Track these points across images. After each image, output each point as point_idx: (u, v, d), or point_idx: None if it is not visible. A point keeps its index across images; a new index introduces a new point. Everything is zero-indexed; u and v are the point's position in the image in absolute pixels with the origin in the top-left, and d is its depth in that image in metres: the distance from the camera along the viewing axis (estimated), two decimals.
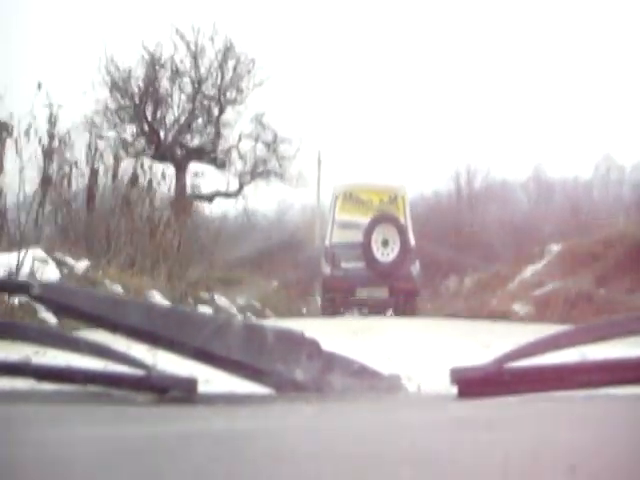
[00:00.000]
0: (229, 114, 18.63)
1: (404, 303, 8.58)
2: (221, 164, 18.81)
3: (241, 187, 19.16)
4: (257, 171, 19.21)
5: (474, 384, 0.83)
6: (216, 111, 18.44)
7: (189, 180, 18.12)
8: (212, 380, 0.91)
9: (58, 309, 0.92)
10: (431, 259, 21.71)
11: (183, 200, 15.08)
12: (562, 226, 22.14)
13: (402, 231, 8.78)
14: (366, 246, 8.67)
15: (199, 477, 0.61)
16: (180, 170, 17.20)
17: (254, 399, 0.86)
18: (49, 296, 0.89)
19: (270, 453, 0.63)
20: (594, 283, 11.26)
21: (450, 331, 1.61)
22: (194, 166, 18.43)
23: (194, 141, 18.53)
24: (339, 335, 1.45)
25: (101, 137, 14.31)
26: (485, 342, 1.14)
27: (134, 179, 11.12)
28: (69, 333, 0.96)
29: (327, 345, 0.93)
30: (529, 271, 18.00)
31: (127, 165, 11.60)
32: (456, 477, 0.59)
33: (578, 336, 0.86)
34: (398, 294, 8.55)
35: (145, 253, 10.60)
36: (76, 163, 10.17)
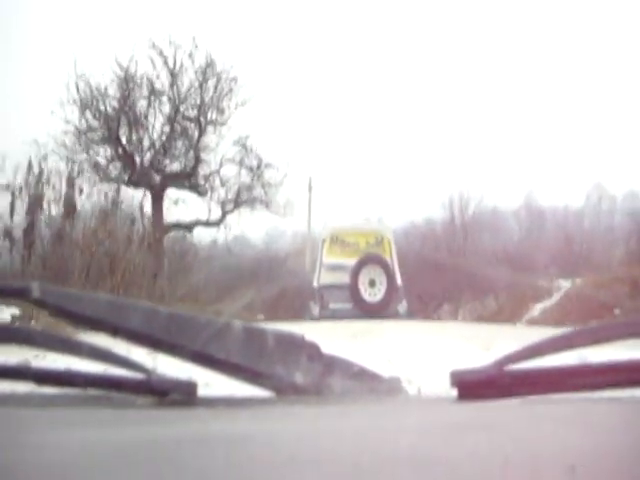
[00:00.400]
0: (210, 137, 17.56)
1: None
2: (202, 191, 17.78)
3: (224, 215, 18.12)
4: (241, 199, 18.18)
5: (474, 387, 0.83)
6: (196, 133, 17.34)
7: (167, 208, 17.06)
8: (212, 383, 0.91)
9: (58, 313, 0.92)
10: (423, 289, 21.81)
11: (160, 229, 14.53)
12: (558, 256, 21.97)
13: (388, 271, 9.09)
14: (353, 287, 8.95)
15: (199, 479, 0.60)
16: (157, 197, 16.24)
17: (254, 402, 0.86)
18: (49, 300, 0.89)
19: (270, 456, 0.63)
20: None
21: (450, 334, 1.61)
22: (173, 193, 17.43)
23: (172, 166, 17.29)
24: (339, 338, 1.46)
25: (73, 161, 13.80)
26: (485, 345, 1.14)
27: (104, 212, 10.78)
28: (69, 337, 0.96)
29: (327, 348, 0.93)
30: (537, 310, 17.92)
31: (91, 191, 11.10)
32: (456, 479, 0.59)
33: (578, 339, 0.86)
34: None
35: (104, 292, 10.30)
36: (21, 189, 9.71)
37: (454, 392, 0.85)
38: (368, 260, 9.14)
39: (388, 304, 8.89)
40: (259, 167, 18.06)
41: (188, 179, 17.43)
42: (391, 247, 9.57)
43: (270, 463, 0.62)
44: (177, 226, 17.39)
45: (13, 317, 6.46)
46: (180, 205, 17.34)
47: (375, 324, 3.43)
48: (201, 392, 0.87)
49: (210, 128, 17.40)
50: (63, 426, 0.76)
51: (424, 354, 1.26)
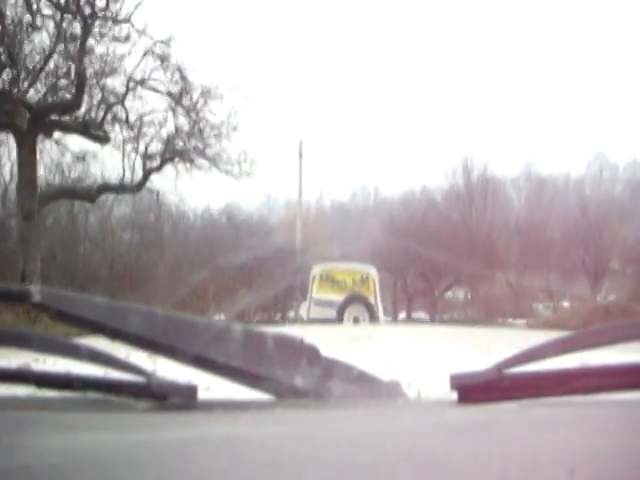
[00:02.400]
0: (105, 43, 10.37)
1: None
2: (103, 138, 11.33)
3: (145, 177, 12.45)
4: (171, 151, 12.15)
5: (474, 390, 0.83)
6: (79, 32, 9.95)
7: (69, 164, 12.30)
8: (212, 387, 0.91)
9: (58, 316, 0.92)
10: (429, 266, 20.45)
11: (30, 194, 9.98)
12: (572, 228, 21.27)
13: (371, 310, 10.02)
14: (338, 323, 9.66)
15: None
16: (25, 145, 10.14)
17: (254, 405, 0.86)
18: (49, 303, 0.89)
19: (270, 459, 0.63)
20: None
21: (450, 337, 1.61)
22: (73, 143, 11.73)
23: (52, 97, 10.43)
24: (338, 341, 1.46)
25: None
26: (485, 348, 1.14)
27: None
28: (69, 340, 0.96)
29: (326, 351, 0.93)
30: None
31: None
32: None
33: (578, 342, 0.86)
34: None
35: None
36: None
37: (454, 395, 0.85)
38: (353, 299, 10.17)
39: None
40: (197, 100, 11.67)
41: (72, 116, 10.79)
42: (375, 286, 10.57)
43: (270, 466, 0.62)
44: (67, 190, 12.27)
45: None
46: (90, 162, 12.32)
47: (374, 328, 3.43)
48: (201, 395, 0.87)
49: (99, 24, 10.05)
50: (63, 429, 0.76)
51: (423, 357, 1.26)
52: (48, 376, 0.89)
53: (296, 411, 0.82)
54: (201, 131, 12.25)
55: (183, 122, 12.15)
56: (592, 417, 0.75)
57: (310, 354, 0.91)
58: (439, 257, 20.40)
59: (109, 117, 11.45)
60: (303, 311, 14.85)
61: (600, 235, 21.20)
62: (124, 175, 12.36)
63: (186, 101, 11.88)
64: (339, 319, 9.79)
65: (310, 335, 0.96)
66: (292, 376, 0.88)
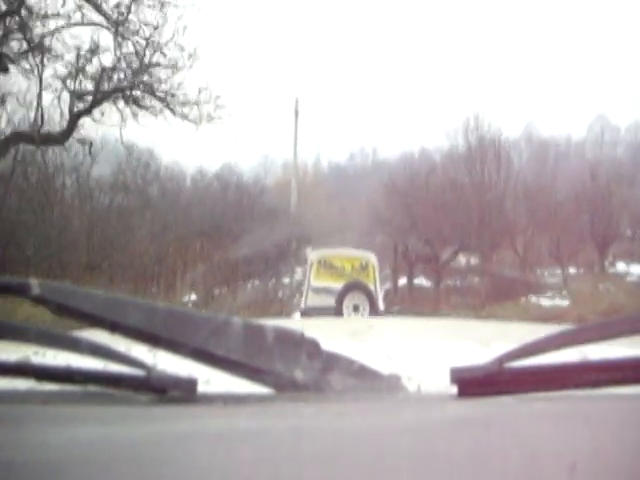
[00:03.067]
0: None
1: None
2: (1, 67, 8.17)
3: (73, 122, 9.40)
4: (106, 89, 8.93)
5: (474, 384, 0.83)
6: None
7: None
8: (212, 380, 0.91)
9: (58, 309, 0.92)
10: (433, 231, 19.45)
11: None
12: (580, 191, 20.25)
13: (371, 298, 9.51)
14: (338, 311, 9.36)
15: (199, 477, 0.60)
16: None
17: (254, 399, 0.86)
18: (49, 296, 0.89)
19: (270, 453, 0.63)
20: None
21: (450, 330, 1.60)
22: None
23: None
24: (338, 335, 1.46)
25: None
26: (485, 341, 1.14)
27: None
28: (69, 333, 0.95)
29: (327, 345, 0.93)
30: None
31: None
32: (456, 477, 0.59)
33: (579, 336, 0.86)
34: None
35: None
36: None
37: (454, 389, 0.85)
38: (353, 287, 9.65)
39: None
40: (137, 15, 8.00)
41: None
42: (375, 272, 10.09)
43: (270, 460, 0.62)
44: None
45: None
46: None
47: (375, 321, 3.43)
48: (201, 389, 0.87)
49: None
50: (63, 423, 0.76)
51: (424, 351, 1.26)
52: (48, 369, 0.89)
53: (296, 404, 0.82)
54: (148, 62, 8.60)
55: (125, 50, 8.59)
56: (593, 411, 0.75)
57: (310, 347, 0.91)
58: (444, 222, 19.59)
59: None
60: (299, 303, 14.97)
61: (609, 198, 20.33)
62: (42, 119, 9.07)
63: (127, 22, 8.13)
64: (338, 307, 9.47)
65: (310, 328, 0.96)
66: (292, 369, 0.88)
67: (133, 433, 0.71)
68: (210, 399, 0.86)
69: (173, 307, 0.94)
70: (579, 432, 0.67)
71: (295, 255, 21.89)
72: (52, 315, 0.92)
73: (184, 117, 10.09)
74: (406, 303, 21.67)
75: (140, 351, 0.93)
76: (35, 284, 0.88)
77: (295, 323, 1.62)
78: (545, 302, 16.11)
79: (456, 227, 19.64)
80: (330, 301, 9.55)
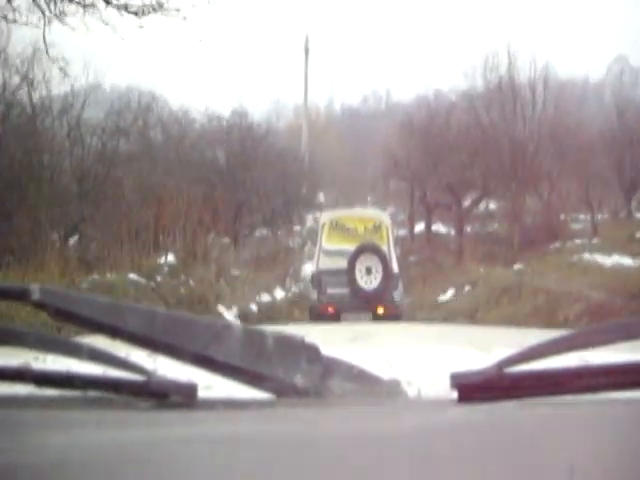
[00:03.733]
0: None
1: None
2: None
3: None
4: None
5: (474, 389, 0.83)
6: None
7: None
8: (212, 385, 0.91)
9: (58, 315, 0.92)
10: (454, 176, 17.49)
11: None
12: (607, 132, 18.71)
13: (384, 260, 9.20)
14: (350, 274, 9.09)
15: None
16: None
17: (254, 404, 0.86)
18: (49, 302, 0.89)
19: (270, 458, 0.63)
20: None
21: (450, 336, 1.60)
22: None
23: None
24: (338, 340, 1.45)
25: None
26: (485, 347, 1.14)
27: None
28: (69, 339, 0.96)
29: (327, 350, 0.93)
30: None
31: None
32: None
33: (579, 340, 0.86)
34: (381, 319, 8.88)
35: None
36: None
37: (454, 394, 0.85)
38: (365, 249, 9.24)
39: (384, 291, 9.05)
40: None
41: None
42: (389, 234, 9.71)
43: (270, 465, 0.62)
44: None
45: None
46: None
47: (375, 326, 3.42)
48: (201, 394, 0.87)
49: None
50: (63, 428, 0.76)
51: (424, 356, 1.26)
52: (48, 375, 0.89)
53: (296, 410, 0.82)
54: None
55: None
56: (593, 416, 0.75)
57: (310, 353, 0.91)
58: (468, 164, 17.68)
59: None
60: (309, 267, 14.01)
61: (638, 141, 18.77)
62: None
63: None
64: (350, 270, 9.07)
65: (310, 334, 0.96)
66: (292, 375, 0.88)
67: (133, 438, 0.71)
68: (210, 404, 0.86)
69: (173, 313, 0.94)
70: (579, 437, 0.67)
71: (306, 200, 20.98)
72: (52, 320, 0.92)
73: (122, 8, 7.97)
74: (424, 252, 19.92)
75: (140, 356, 0.93)
76: (35, 289, 0.88)
77: (295, 329, 1.62)
78: (603, 259, 13.41)
79: (481, 170, 17.72)
80: (342, 263, 9.17)
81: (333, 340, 1.45)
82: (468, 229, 19.82)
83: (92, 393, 0.88)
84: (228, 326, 0.91)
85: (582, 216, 20.49)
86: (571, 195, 19.88)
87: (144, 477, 0.61)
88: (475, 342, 1.39)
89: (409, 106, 22.37)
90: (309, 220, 21.44)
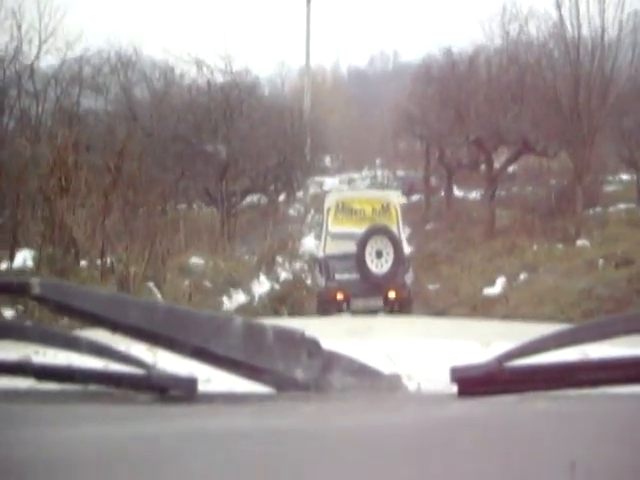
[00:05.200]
0: None
1: (399, 311, 8.68)
2: None
3: None
4: None
5: (474, 383, 0.83)
6: None
7: None
8: (212, 379, 0.91)
9: (58, 309, 0.92)
10: (488, 126, 14.63)
11: None
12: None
13: (395, 242, 8.82)
14: (360, 258, 8.71)
15: (199, 476, 0.61)
16: None
17: (254, 398, 0.86)
18: (49, 296, 0.89)
19: (270, 452, 0.63)
20: None
21: (450, 329, 1.60)
22: None
23: None
24: (339, 334, 1.46)
25: None
26: (485, 341, 1.14)
27: None
28: (69, 333, 0.96)
29: (327, 344, 0.93)
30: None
31: None
32: (456, 476, 0.59)
33: (579, 334, 0.86)
34: (392, 303, 8.62)
35: None
36: None
37: (454, 388, 0.85)
38: (375, 231, 8.87)
39: (395, 275, 8.68)
40: None
41: None
42: (398, 214, 9.30)
43: (270, 459, 0.62)
44: None
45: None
46: None
47: (375, 321, 3.43)
48: (201, 388, 0.87)
49: None
50: (63, 422, 0.76)
51: (424, 350, 1.26)
52: (48, 369, 0.89)
53: (296, 404, 0.82)
54: None
55: None
56: (593, 410, 0.75)
57: (311, 347, 0.91)
58: (500, 114, 14.57)
59: None
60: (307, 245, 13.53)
61: None
62: None
63: None
64: (360, 254, 8.60)
65: (311, 327, 0.96)
66: (292, 369, 0.88)
67: (133, 432, 0.71)
68: (210, 398, 0.86)
69: (173, 306, 0.94)
70: (579, 431, 0.67)
71: (309, 165, 19.12)
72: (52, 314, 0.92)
73: None
74: (444, 220, 17.84)
75: (140, 350, 0.93)
76: (35, 283, 0.88)
77: (296, 322, 1.62)
78: None
79: (527, 119, 14.55)
80: (351, 247, 8.71)
81: (333, 334, 1.45)
82: (502, 193, 17.10)
83: (92, 387, 0.88)
84: (228, 320, 0.91)
85: (610, 177, 18.29)
86: (612, 154, 17.23)
87: (144, 470, 0.61)
88: (475, 336, 1.39)
89: (418, 67, 20.08)
90: (313, 186, 19.99)
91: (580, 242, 11.79)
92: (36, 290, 0.87)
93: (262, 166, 16.19)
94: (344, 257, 8.80)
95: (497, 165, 16.44)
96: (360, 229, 8.94)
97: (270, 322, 0.95)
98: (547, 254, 11.21)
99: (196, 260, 10.84)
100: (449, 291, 10.78)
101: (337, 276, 8.88)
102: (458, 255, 13.24)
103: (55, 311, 0.91)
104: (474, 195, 21.24)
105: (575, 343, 0.84)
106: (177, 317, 0.91)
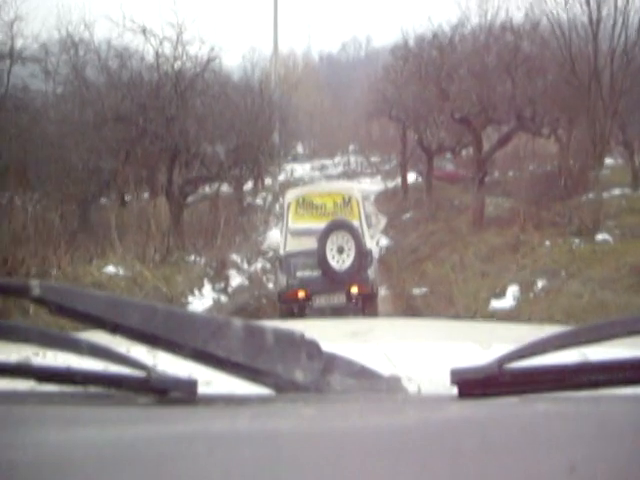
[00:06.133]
0: None
1: (363, 307, 8.56)
2: None
3: None
4: None
5: (474, 385, 0.83)
6: None
7: None
8: (212, 381, 0.91)
9: (58, 310, 0.92)
10: (477, 101, 12.62)
11: None
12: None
13: (357, 237, 8.58)
14: (320, 255, 8.49)
15: (199, 479, 0.60)
16: None
17: (254, 400, 0.86)
18: (49, 297, 0.89)
19: (270, 454, 0.63)
20: None
21: (450, 331, 1.60)
22: None
23: None
24: (339, 336, 1.46)
25: None
26: (485, 343, 1.14)
27: None
28: (69, 334, 0.96)
29: (327, 346, 0.93)
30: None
31: None
32: (457, 478, 0.59)
33: (579, 336, 0.86)
34: (356, 299, 8.44)
35: None
36: None
37: (454, 390, 0.85)
38: (335, 226, 8.59)
39: (357, 270, 8.46)
40: None
41: None
42: (359, 207, 9.05)
43: (270, 461, 0.62)
44: None
45: None
46: None
47: (375, 322, 3.43)
48: (201, 390, 0.87)
49: None
50: (63, 424, 0.76)
51: (424, 352, 1.26)
52: (48, 370, 0.89)
53: (296, 406, 0.82)
54: None
55: None
56: (593, 412, 0.75)
57: (310, 349, 0.91)
58: (491, 88, 12.74)
59: None
60: (272, 239, 12.49)
61: None
62: None
63: None
64: (320, 250, 8.36)
65: (310, 329, 0.96)
66: (292, 371, 0.88)
67: (133, 434, 0.71)
68: (210, 400, 0.86)
69: (173, 308, 0.94)
70: (579, 433, 0.67)
71: (279, 151, 17.79)
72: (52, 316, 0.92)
73: None
74: (424, 208, 16.10)
75: (140, 352, 0.93)
76: (35, 285, 0.88)
77: (296, 324, 1.62)
78: None
79: (514, 94, 12.64)
80: (312, 244, 8.44)
81: (333, 336, 1.45)
82: (493, 176, 15.06)
83: (92, 389, 0.88)
84: (228, 322, 0.91)
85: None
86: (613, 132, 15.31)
87: (144, 473, 0.61)
88: (475, 338, 1.39)
89: (394, 44, 18.19)
90: (284, 174, 18.90)
91: (600, 236, 9.53)
92: (36, 292, 0.87)
93: (218, 150, 14.19)
94: (305, 254, 8.59)
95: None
96: (321, 224, 8.69)
97: (270, 324, 0.95)
98: (565, 253, 8.65)
99: (113, 269, 8.57)
100: (441, 298, 8.89)
101: (298, 274, 8.66)
102: (444, 250, 11.47)
103: (55, 313, 0.91)
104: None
105: (575, 345, 0.84)
106: (177, 319, 0.91)
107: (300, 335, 0.91)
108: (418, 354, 1.22)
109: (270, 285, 10.36)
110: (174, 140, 12.50)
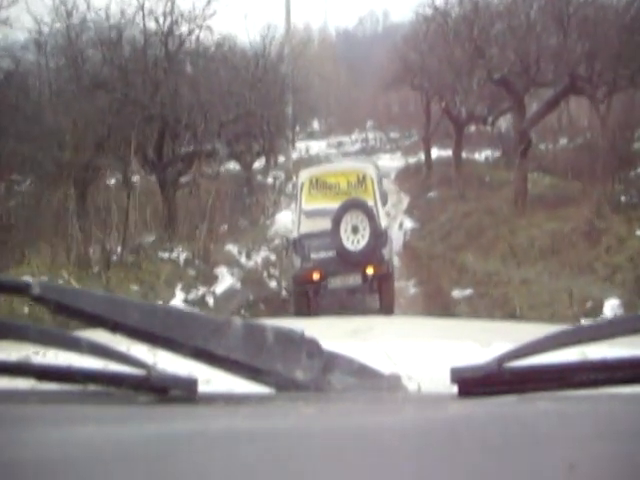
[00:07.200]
0: None
1: (379, 287, 8.42)
2: None
3: None
4: None
5: (474, 383, 0.83)
6: None
7: None
8: (212, 380, 0.91)
9: (58, 309, 0.92)
10: (522, 58, 10.45)
11: None
12: None
13: (371, 216, 8.31)
14: (335, 235, 8.23)
15: (199, 477, 0.61)
16: None
17: (254, 399, 0.86)
18: (49, 296, 0.89)
19: (270, 453, 0.63)
20: None
21: (450, 330, 1.59)
22: None
23: None
24: (339, 334, 1.46)
25: None
26: (485, 341, 1.14)
27: None
28: (69, 333, 0.96)
29: (327, 344, 0.93)
30: None
31: None
32: (456, 476, 0.59)
33: (579, 335, 0.86)
34: (372, 279, 8.22)
35: None
36: None
37: (454, 389, 0.85)
38: (349, 206, 8.35)
39: (373, 250, 8.24)
40: None
41: None
42: (374, 186, 8.78)
43: (270, 459, 0.62)
44: None
45: None
46: None
47: (375, 320, 3.44)
48: (201, 388, 0.87)
49: None
50: (63, 422, 0.76)
51: (424, 351, 1.26)
52: (48, 369, 0.89)
53: (296, 404, 0.82)
54: None
55: None
56: (592, 411, 0.75)
57: (310, 347, 0.91)
58: (533, 45, 10.60)
59: None
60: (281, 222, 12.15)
61: None
62: None
63: None
64: (334, 231, 8.13)
65: (310, 328, 0.96)
66: (292, 369, 0.88)
67: (133, 433, 0.71)
68: (210, 399, 0.86)
69: (173, 307, 0.94)
70: (578, 431, 0.67)
71: (293, 126, 17.22)
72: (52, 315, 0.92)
73: None
74: (452, 186, 14.07)
75: (140, 351, 0.93)
76: (35, 283, 0.88)
77: (295, 323, 1.62)
78: None
79: (566, 49, 10.51)
80: (326, 224, 8.20)
81: (333, 334, 1.45)
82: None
83: (92, 387, 0.88)
84: (228, 320, 0.92)
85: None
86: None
87: (144, 471, 0.61)
88: (475, 337, 1.39)
89: (408, 27, 17.41)
90: (300, 150, 17.93)
91: None
92: (36, 290, 0.87)
93: (215, 122, 12.19)
94: (320, 235, 8.34)
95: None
96: (335, 204, 8.43)
97: (270, 323, 0.95)
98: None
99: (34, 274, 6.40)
100: (495, 306, 6.36)
101: (313, 255, 8.42)
102: (486, 237, 9.20)
103: (55, 312, 0.91)
104: (477, 157, 17.75)
105: (574, 344, 0.84)
106: (177, 318, 0.91)
107: (300, 333, 0.91)
108: (418, 353, 1.22)
109: (273, 284, 9.80)
110: (161, 109, 10.95)
